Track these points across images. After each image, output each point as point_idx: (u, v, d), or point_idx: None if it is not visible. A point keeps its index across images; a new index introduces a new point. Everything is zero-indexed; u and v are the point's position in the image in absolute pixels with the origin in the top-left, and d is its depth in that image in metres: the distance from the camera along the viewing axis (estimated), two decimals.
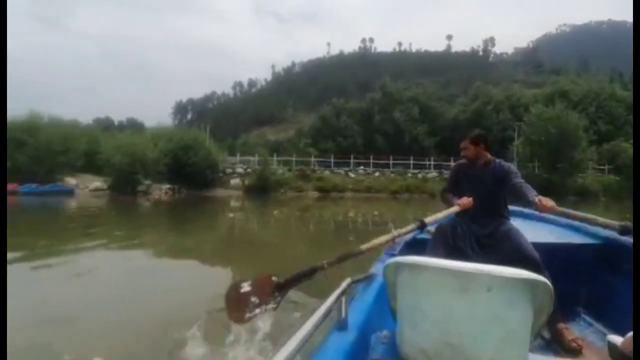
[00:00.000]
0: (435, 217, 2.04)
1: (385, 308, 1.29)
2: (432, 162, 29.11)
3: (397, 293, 1.11)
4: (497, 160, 2.16)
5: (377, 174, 27.11)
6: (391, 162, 28.52)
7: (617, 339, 1.06)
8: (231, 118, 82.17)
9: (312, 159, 28.01)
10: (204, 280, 4.27)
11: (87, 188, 20.67)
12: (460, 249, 1.93)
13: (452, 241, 1.97)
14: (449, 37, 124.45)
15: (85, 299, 3.49)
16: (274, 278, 1.41)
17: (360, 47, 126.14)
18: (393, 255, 1.75)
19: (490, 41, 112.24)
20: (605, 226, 1.82)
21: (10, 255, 4.73)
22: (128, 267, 4.80)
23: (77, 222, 9.70)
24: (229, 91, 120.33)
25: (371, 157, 28.55)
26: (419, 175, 27.18)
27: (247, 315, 1.36)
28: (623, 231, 1.75)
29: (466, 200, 2.04)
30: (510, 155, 25.47)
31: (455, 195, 2.19)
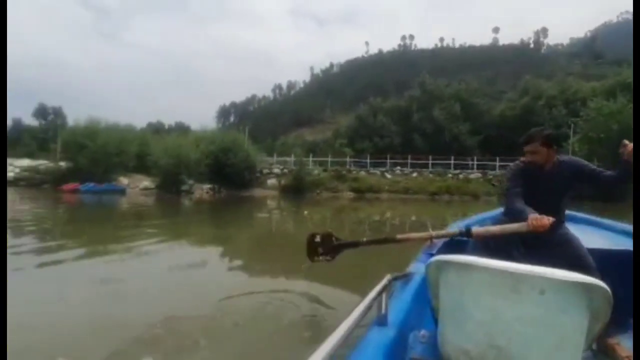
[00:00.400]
0: (488, 230, 1.81)
1: (423, 307, 1.30)
2: (475, 162, 27.66)
3: (439, 292, 1.09)
4: (563, 158, 1.95)
5: (414, 174, 26.34)
6: (430, 162, 27.55)
7: None
8: (270, 120, 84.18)
9: (348, 159, 27.86)
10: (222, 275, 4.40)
11: (137, 187, 22.27)
12: (507, 252, 1.73)
13: (498, 244, 1.77)
14: (496, 30, 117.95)
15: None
16: (333, 238, 1.99)
17: (399, 45, 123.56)
18: (431, 255, 1.71)
19: (543, 32, 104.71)
20: None
21: (82, 244, 5.82)
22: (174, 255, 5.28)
23: (128, 219, 10.49)
24: (269, 94, 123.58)
25: (409, 157, 27.79)
26: (460, 176, 25.97)
27: (315, 258, 1.97)
28: None
29: (540, 222, 1.63)
30: (565, 155, 23.46)
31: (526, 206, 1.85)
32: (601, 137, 22.42)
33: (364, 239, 2.01)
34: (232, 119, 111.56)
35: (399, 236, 1.85)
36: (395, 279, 1.34)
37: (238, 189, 22.58)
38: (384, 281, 1.17)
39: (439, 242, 2.07)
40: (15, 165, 24.87)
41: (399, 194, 23.06)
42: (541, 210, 1.79)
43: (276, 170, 25.99)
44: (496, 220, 2.03)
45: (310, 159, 27.36)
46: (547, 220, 1.64)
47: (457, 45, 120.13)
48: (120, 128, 27.67)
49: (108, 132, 24.40)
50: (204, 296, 3.23)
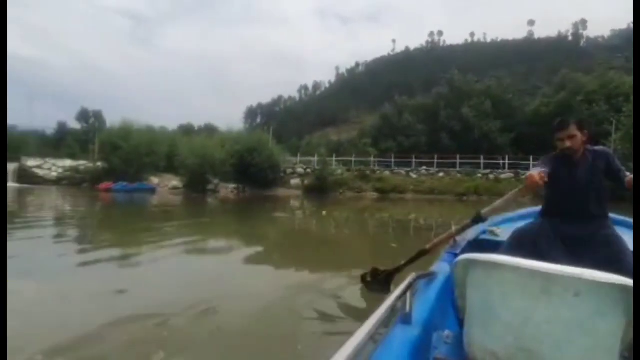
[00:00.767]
0: (493, 207, 1.88)
1: (447, 307, 1.30)
2: (507, 162, 26.44)
3: (466, 292, 1.07)
4: (594, 148, 1.88)
5: (441, 174, 25.55)
6: (458, 161, 26.64)
7: None
8: (296, 120, 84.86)
9: (372, 159, 27.50)
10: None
11: (166, 186, 23.15)
12: (545, 253, 1.62)
13: (534, 245, 1.67)
14: (531, 23, 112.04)
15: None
16: (379, 271, 2.47)
17: (427, 42, 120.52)
18: (455, 255, 1.70)
19: (582, 24, 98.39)
20: None
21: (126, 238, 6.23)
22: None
23: (159, 215, 10.94)
24: (295, 95, 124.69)
25: (435, 156, 27.02)
26: (491, 176, 24.92)
27: (373, 288, 2.49)
28: None
29: (530, 178, 1.60)
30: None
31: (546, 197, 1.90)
32: None
33: (402, 262, 2.36)
34: (258, 119, 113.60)
35: (427, 246, 1.98)
36: (419, 277, 1.34)
37: (262, 189, 22.91)
38: (409, 280, 1.16)
39: (463, 242, 2.05)
40: (58, 166, 26.62)
41: (425, 195, 22.47)
42: (572, 203, 1.76)
43: (299, 170, 26.11)
44: (531, 219, 1.98)
45: (334, 158, 27.25)
46: (537, 174, 1.60)
47: (488, 40, 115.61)
48: (151, 130, 28.92)
49: (140, 134, 25.52)
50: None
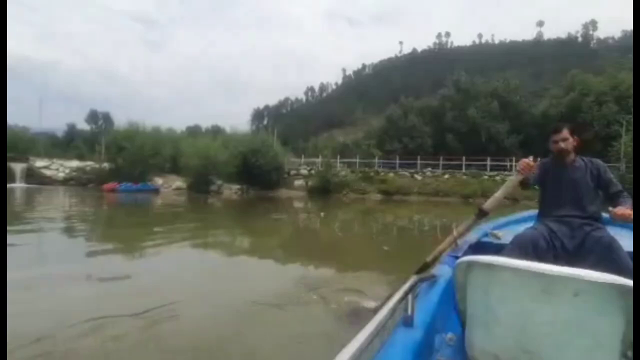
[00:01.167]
0: (494, 198, 1.91)
1: (449, 310, 1.30)
2: (514, 163, 25.98)
3: (467, 294, 1.08)
4: (587, 157, 2.01)
5: (446, 176, 25.21)
6: (464, 162, 26.30)
7: None
8: (302, 122, 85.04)
9: (376, 160, 27.30)
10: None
11: (170, 187, 23.26)
12: (547, 258, 1.71)
13: (535, 249, 1.75)
14: (540, 24, 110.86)
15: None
16: None
17: (435, 44, 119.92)
18: (456, 257, 1.72)
19: (592, 24, 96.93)
20: None
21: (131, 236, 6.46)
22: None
23: (164, 216, 10.97)
24: (302, 96, 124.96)
25: (440, 157, 26.69)
26: (497, 178, 24.50)
27: None
28: None
29: (522, 163, 1.82)
30: (616, 155, 21.47)
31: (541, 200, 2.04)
32: None
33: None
34: (265, 121, 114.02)
35: (428, 259, 1.93)
36: (421, 280, 1.34)
37: (265, 190, 22.87)
38: (410, 282, 1.16)
39: (464, 245, 2.07)
40: (66, 166, 26.99)
41: (429, 196, 22.18)
42: (567, 205, 1.85)
43: (303, 171, 26.02)
44: (533, 221, 2.06)
45: (338, 160, 27.11)
46: (527, 160, 1.79)
47: (497, 41, 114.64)
48: (157, 131, 29.14)
49: (144, 135, 25.72)
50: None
